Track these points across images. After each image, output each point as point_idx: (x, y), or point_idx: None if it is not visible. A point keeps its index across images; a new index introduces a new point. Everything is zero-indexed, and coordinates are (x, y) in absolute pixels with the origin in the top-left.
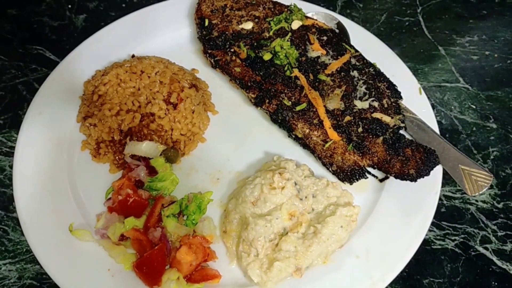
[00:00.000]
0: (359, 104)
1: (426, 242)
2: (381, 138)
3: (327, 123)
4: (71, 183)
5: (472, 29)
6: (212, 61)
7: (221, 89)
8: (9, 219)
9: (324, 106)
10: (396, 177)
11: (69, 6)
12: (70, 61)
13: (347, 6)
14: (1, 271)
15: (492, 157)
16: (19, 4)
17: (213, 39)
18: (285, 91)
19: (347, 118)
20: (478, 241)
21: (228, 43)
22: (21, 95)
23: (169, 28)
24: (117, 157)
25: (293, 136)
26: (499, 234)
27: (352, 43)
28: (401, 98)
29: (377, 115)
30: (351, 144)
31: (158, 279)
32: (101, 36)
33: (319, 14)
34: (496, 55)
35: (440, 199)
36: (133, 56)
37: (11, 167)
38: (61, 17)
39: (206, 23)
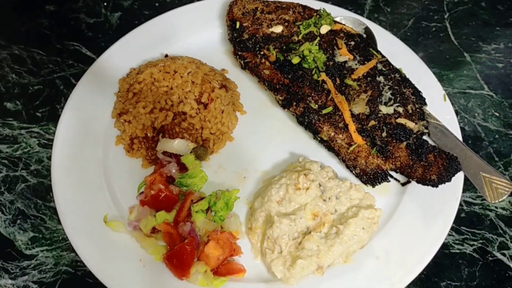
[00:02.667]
0: (384, 109)
1: (445, 246)
2: (405, 143)
3: (352, 127)
4: (106, 176)
5: (499, 37)
6: (242, 62)
7: (249, 90)
8: (47, 208)
9: (350, 110)
10: (418, 182)
11: (105, 4)
12: (105, 58)
13: (375, 10)
14: (38, 257)
15: None
16: (57, 1)
17: (243, 41)
18: (312, 94)
19: (372, 122)
20: (496, 247)
21: (258, 45)
22: (58, 89)
23: (201, 28)
24: (149, 153)
25: (319, 139)
26: None
27: (379, 48)
28: (425, 104)
29: (402, 120)
30: (374, 148)
31: (187, 271)
32: (135, 35)
33: (347, 19)
34: None
35: (460, 204)
36: (166, 55)
37: (48, 158)
38: (97, 15)
39: (237, 26)
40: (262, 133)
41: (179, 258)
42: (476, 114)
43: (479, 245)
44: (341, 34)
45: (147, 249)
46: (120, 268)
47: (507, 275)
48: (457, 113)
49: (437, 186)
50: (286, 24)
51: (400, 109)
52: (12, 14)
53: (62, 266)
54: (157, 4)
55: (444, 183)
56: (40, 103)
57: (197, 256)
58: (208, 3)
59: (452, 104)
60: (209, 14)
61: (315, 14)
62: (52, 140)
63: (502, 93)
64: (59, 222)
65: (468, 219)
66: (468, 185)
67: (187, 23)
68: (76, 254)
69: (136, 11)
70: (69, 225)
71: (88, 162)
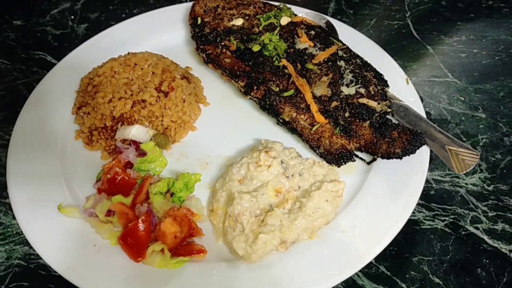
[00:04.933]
0: (346, 90)
1: (415, 223)
2: (368, 122)
3: (314, 107)
4: (64, 169)
5: (460, 30)
6: (204, 56)
7: (213, 84)
8: (2, 205)
9: (312, 92)
10: (382, 157)
11: (72, 17)
12: (68, 60)
13: (338, 12)
14: None
15: (481, 143)
16: (24, 15)
17: (205, 35)
18: (273, 79)
19: (334, 103)
20: (468, 221)
21: (219, 38)
22: (21, 94)
23: (165, 31)
24: (108, 143)
25: (281, 121)
26: (490, 214)
27: (341, 39)
28: (387, 86)
29: (364, 100)
30: (338, 128)
31: (143, 252)
32: (99, 39)
33: (308, 14)
34: (484, 53)
35: (429, 182)
36: (128, 53)
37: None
38: (64, 27)
39: (199, 22)
40: (225, 122)
41: (134, 236)
42: (441, 99)
43: (451, 220)
44: (302, 26)
45: (103, 234)
46: (74, 255)
47: (481, 247)
48: (422, 99)
49: (401, 158)
50: (246, 17)
51: (362, 90)
52: None
53: (14, 260)
54: (123, 16)
55: (409, 155)
56: (1, 107)
57: (154, 237)
58: (172, 8)
59: (417, 91)
60: (174, 18)
61: (275, 8)
62: None
63: (466, 79)
64: (14, 218)
65: (438, 196)
66: (436, 164)
67: (152, 27)
68: (30, 247)
69: (103, 22)
70: (22, 216)
71: (44, 157)
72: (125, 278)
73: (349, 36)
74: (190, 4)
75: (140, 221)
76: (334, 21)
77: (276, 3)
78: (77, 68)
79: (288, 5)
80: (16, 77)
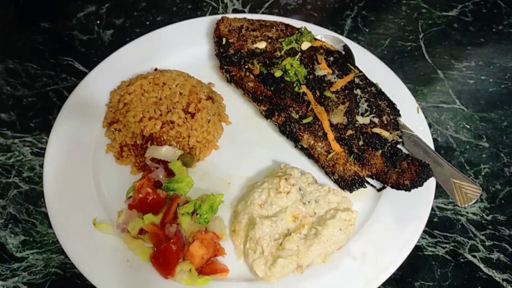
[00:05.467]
0: (361, 120)
1: (419, 249)
2: (380, 151)
3: (330, 136)
4: (96, 182)
5: (470, 55)
6: (227, 76)
7: (234, 102)
8: (38, 213)
9: (329, 120)
10: (392, 187)
11: (98, 22)
12: (97, 72)
13: (354, 30)
14: (28, 259)
15: (483, 173)
16: (51, 18)
17: (229, 56)
18: (293, 105)
19: (349, 132)
20: (467, 249)
21: (243, 60)
22: (51, 101)
23: (189, 45)
24: (138, 160)
25: (299, 147)
26: (487, 243)
27: (356, 64)
28: (399, 115)
29: (377, 130)
30: (352, 156)
31: (172, 270)
32: (126, 50)
33: (327, 37)
34: (491, 80)
35: (433, 209)
36: (155, 69)
37: (40, 166)
38: (90, 32)
39: (224, 42)
40: (246, 142)
41: (165, 257)
42: (448, 127)
43: (451, 247)
44: (321, 51)
45: (134, 250)
46: (108, 268)
47: (477, 275)
48: (430, 125)
49: (410, 190)
50: (269, 40)
51: (376, 120)
52: (7, 30)
53: (51, 268)
54: (147, 23)
55: (417, 188)
56: (34, 114)
57: (182, 256)
58: (195, 21)
59: (426, 117)
60: (197, 31)
61: (296, 32)
62: (44, 149)
63: (472, 107)
64: (50, 227)
65: (440, 223)
66: (440, 192)
67: (176, 40)
68: (66, 257)
69: (128, 29)
70: (59, 228)
71: (78, 169)
72: None
73: (365, 60)
74: (212, 17)
75: (171, 243)
76: (350, 43)
77: (297, 26)
78: (105, 80)
79: (307, 24)
80: (45, 83)
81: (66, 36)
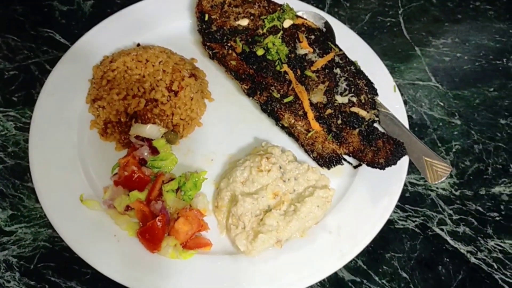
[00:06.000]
0: (340, 99)
1: (390, 222)
2: (357, 130)
3: (310, 115)
4: (81, 157)
5: (447, 32)
6: (210, 53)
7: (217, 79)
8: (24, 188)
9: (309, 99)
10: (367, 165)
11: None
12: (79, 45)
13: (335, 4)
14: (17, 233)
15: (454, 150)
16: None
17: (211, 33)
18: (275, 84)
19: (328, 111)
20: (435, 223)
21: (225, 37)
22: (33, 75)
23: (171, 18)
24: (122, 137)
25: (280, 125)
26: (454, 217)
27: (337, 41)
28: (377, 94)
29: (355, 109)
30: (330, 134)
31: (158, 245)
32: (108, 24)
33: (308, 14)
34: (466, 57)
35: (405, 185)
36: (138, 45)
37: (25, 141)
38: (70, 2)
39: (206, 18)
40: (228, 119)
41: (151, 233)
42: (423, 104)
43: (421, 221)
44: (303, 28)
45: (121, 225)
46: (96, 242)
47: (444, 247)
48: (406, 102)
49: (384, 169)
50: (251, 17)
51: (354, 99)
52: None
53: (40, 242)
54: None
55: (391, 166)
56: (16, 88)
57: (167, 231)
58: None
59: (402, 94)
60: (179, 5)
61: (279, 8)
62: (27, 123)
63: (447, 84)
64: (37, 201)
65: (411, 198)
66: (413, 168)
67: (158, 13)
68: (54, 231)
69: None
70: (46, 203)
71: (63, 145)
72: (142, 266)
73: (345, 37)
74: None
75: (157, 220)
76: (331, 19)
77: (280, 1)
78: (87, 55)
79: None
80: (27, 56)
81: (46, 7)
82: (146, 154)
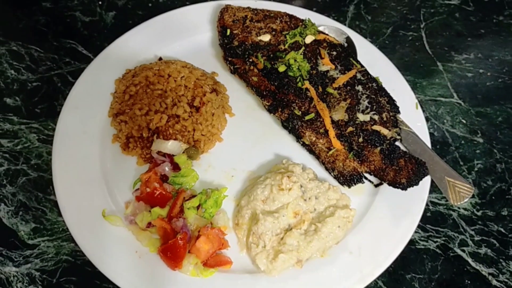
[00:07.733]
0: (361, 117)
1: (411, 242)
2: (379, 148)
3: (331, 133)
4: (103, 171)
5: (470, 47)
6: (231, 67)
7: (238, 93)
8: (47, 201)
9: (330, 117)
10: (389, 184)
11: (100, 2)
12: (101, 59)
13: (357, 17)
14: (40, 246)
15: (476, 169)
16: None
17: (233, 48)
18: (296, 101)
19: (350, 129)
20: (456, 244)
21: (247, 53)
22: (56, 86)
23: (193, 32)
24: (144, 152)
25: (301, 142)
26: (476, 238)
27: (358, 56)
28: (399, 112)
29: (377, 127)
30: (351, 152)
31: (180, 263)
32: (130, 37)
33: (330, 28)
34: (489, 74)
35: (427, 204)
36: (160, 59)
37: (48, 153)
38: (92, 13)
39: (228, 33)
40: (249, 135)
41: (173, 251)
42: (445, 121)
43: (442, 241)
44: (324, 44)
45: (143, 242)
46: (117, 258)
47: (465, 269)
48: (427, 119)
49: (406, 189)
50: (273, 33)
51: (376, 117)
52: (9, 10)
53: (62, 255)
54: (150, 5)
55: (413, 186)
56: (39, 100)
57: (188, 249)
58: (198, 6)
59: (424, 111)
60: (201, 18)
61: (300, 23)
62: (50, 136)
63: (469, 101)
64: (59, 215)
65: (433, 218)
66: (434, 187)
67: (179, 26)
68: (76, 245)
69: (130, 11)
70: (69, 217)
71: (86, 158)
72: (163, 283)
73: (368, 52)
74: (215, 3)
75: (179, 238)
76: (353, 34)
77: (301, 13)
78: (109, 68)
79: (310, 12)
80: (49, 67)
81: (68, 17)
82: (167, 170)
